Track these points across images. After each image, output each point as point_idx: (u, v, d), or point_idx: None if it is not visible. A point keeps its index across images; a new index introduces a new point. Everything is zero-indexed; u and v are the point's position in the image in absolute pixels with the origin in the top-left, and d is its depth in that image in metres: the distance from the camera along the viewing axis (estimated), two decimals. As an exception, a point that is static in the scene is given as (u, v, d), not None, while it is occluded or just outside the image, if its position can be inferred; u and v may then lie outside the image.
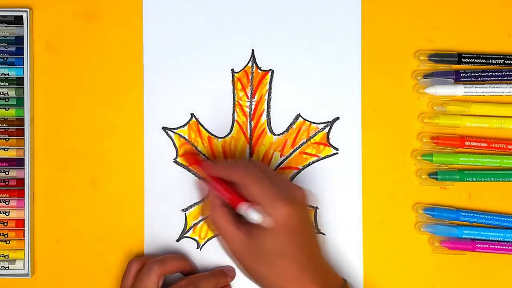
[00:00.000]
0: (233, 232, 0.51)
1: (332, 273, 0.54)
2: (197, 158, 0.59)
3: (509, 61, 0.59)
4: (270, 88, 0.60)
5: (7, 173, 0.59)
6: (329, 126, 0.60)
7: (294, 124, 0.60)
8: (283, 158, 0.60)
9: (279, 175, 0.54)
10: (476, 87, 0.59)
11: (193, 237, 0.59)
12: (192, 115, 0.60)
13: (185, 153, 0.59)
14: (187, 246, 0.59)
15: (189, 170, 0.59)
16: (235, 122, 0.60)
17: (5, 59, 0.59)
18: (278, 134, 0.60)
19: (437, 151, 0.59)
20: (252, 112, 0.60)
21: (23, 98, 0.59)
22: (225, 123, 0.60)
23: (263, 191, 0.51)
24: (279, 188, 0.51)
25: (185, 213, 0.59)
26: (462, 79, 0.59)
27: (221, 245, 0.54)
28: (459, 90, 0.59)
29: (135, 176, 0.59)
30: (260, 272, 0.51)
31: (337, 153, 0.60)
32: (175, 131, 0.60)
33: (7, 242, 0.59)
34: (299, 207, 0.51)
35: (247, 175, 0.52)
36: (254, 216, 0.50)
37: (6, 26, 0.59)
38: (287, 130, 0.60)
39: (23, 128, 0.59)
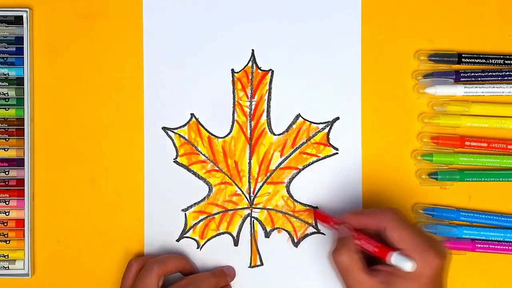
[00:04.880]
0: (366, 280, 0.49)
1: None
2: (329, 215, 0.57)
3: (509, 61, 0.59)
4: (270, 88, 0.60)
5: (7, 173, 0.59)
6: (329, 126, 0.60)
7: (294, 124, 0.60)
8: (283, 158, 0.60)
9: (420, 226, 0.52)
10: (476, 87, 0.59)
11: (193, 237, 0.59)
12: (192, 115, 0.60)
13: (317, 214, 0.58)
14: (187, 246, 0.59)
15: (189, 170, 0.59)
16: (235, 122, 0.60)
17: (5, 59, 0.59)
18: (278, 134, 0.60)
19: (437, 151, 0.59)
20: (252, 112, 0.60)
21: (23, 98, 0.59)
22: (225, 123, 0.60)
23: (415, 238, 0.49)
24: (428, 238, 0.50)
25: (185, 213, 0.59)
26: (462, 79, 0.59)
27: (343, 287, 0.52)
28: (459, 90, 0.59)
29: (135, 176, 0.59)
30: None
31: (337, 153, 0.60)
32: (175, 131, 0.60)
33: (7, 242, 0.59)
34: (447, 262, 0.50)
35: (398, 221, 0.50)
36: (408, 264, 0.48)
37: (6, 26, 0.59)
38: (287, 130, 0.60)
39: (23, 128, 0.59)
